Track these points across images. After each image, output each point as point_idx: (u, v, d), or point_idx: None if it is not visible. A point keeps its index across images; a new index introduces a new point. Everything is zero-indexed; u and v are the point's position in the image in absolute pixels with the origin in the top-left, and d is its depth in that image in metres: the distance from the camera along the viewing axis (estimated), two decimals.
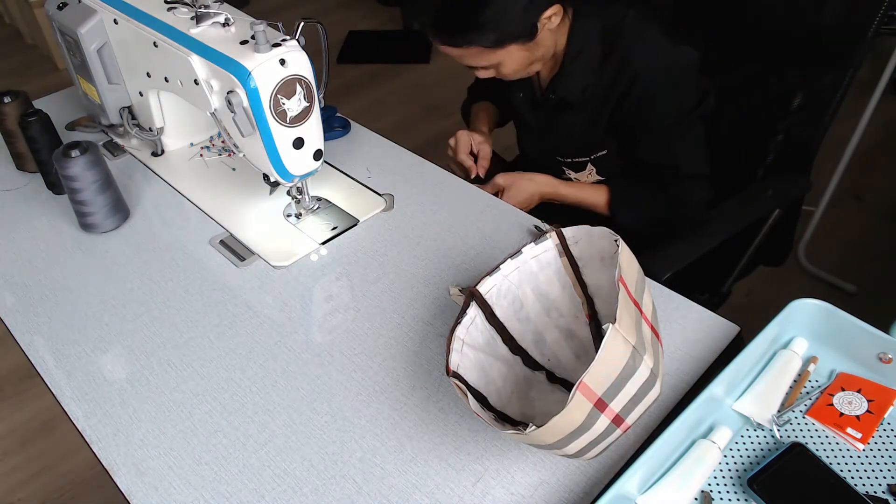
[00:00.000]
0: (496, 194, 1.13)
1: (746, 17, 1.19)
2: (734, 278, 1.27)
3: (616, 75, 1.06)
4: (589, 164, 1.19)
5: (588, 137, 1.16)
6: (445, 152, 1.28)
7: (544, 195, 1.18)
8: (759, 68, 1.19)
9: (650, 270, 0.82)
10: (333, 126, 1.23)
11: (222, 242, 1.02)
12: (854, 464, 0.69)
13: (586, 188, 1.20)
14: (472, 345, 0.74)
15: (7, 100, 1.09)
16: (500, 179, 1.17)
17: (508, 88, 1.24)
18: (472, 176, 1.22)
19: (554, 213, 1.11)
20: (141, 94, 1.12)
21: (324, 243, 1.01)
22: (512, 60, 1.03)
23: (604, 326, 0.59)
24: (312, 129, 0.93)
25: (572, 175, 1.24)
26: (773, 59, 1.18)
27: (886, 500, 0.65)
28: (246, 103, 0.85)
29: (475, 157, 1.24)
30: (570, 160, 1.21)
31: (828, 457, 0.70)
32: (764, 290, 1.89)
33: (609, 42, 1.06)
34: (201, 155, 1.19)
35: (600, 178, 1.21)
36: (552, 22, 1.00)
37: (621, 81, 1.06)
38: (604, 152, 1.17)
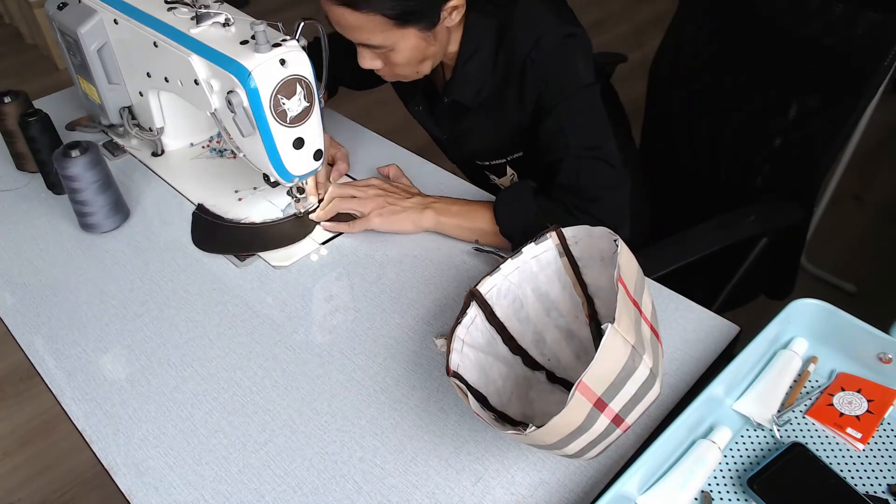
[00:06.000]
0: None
1: (758, 40, 1.14)
2: (720, 305, 1.21)
3: (507, 70, 1.00)
4: (508, 167, 1.15)
5: (497, 140, 1.10)
6: (446, 153, 1.27)
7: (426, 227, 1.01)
8: (772, 95, 1.14)
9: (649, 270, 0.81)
10: None
11: None
12: (854, 464, 0.69)
13: (476, 209, 1.00)
14: (472, 345, 0.74)
15: (7, 100, 1.09)
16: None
17: (407, 104, 1.19)
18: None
19: None
20: (141, 94, 1.12)
21: (324, 243, 1.01)
22: (406, 47, 0.94)
23: (603, 326, 0.59)
24: (313, 129, 0.93)
25: (496, 180, 1.20)
26: (786, 87, 1.12)
27: (886, 500, 0.65)
28: (246, 103, 0.85)
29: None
30: (488, 163, 1.17)
31: (828, 457, 0.70)
32: None
33: (500, 36, 1.00)
34: (204, 148, 1.19)
35: None
36: (453, 18, 0.95)
37: (513, 75, 0.99)
38: (519, 154, 1.12)
